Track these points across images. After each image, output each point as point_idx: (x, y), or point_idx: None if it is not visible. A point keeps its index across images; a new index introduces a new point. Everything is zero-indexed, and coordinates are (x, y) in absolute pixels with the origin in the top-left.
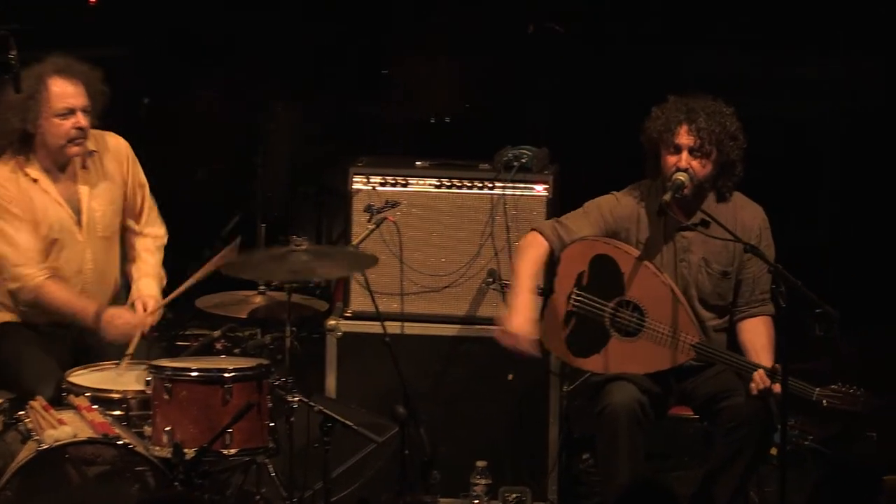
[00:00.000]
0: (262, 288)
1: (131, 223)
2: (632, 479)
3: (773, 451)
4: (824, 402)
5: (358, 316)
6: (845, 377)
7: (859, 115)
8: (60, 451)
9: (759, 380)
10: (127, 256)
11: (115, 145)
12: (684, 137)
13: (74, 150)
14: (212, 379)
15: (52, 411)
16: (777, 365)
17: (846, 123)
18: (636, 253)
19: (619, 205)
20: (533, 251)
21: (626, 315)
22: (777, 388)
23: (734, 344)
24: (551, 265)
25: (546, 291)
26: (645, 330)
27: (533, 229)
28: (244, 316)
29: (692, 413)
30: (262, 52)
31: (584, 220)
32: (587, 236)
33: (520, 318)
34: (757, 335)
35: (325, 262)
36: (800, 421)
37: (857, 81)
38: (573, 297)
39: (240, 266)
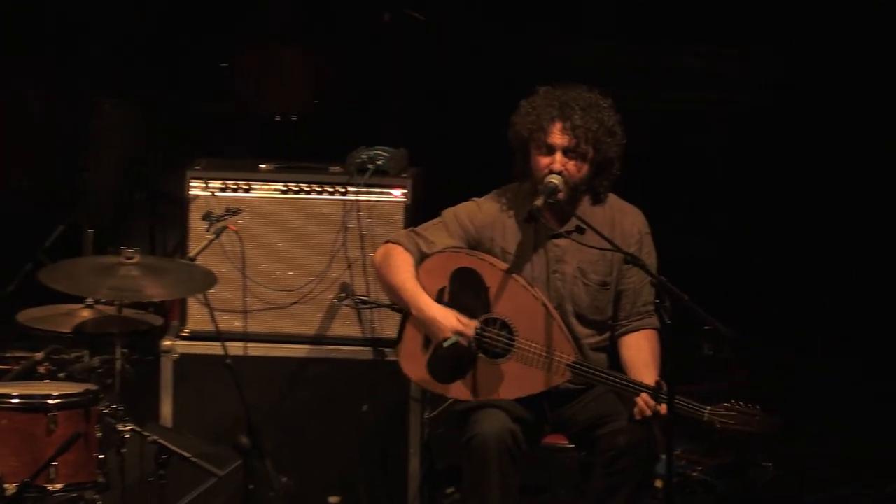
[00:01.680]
0: (89, 300)
1: None
2: None
3: (658, 483)
4: (717, 423)
5: (196, 336)
6: (738, 399)
7: (750, 111)
8: None
9: (644, 404)
10: None
11: None
12: (558, 137)
13: None
14: (34, 406)
15: None
16: (662, 381)
17: (736, 119)
18: (503, 265)
19: (481, 211)
20: (403, 261)
21: (493, 334)
22: (663, 408)
23: (616, 362)
24: None
25: (404, 310)
26: (514, 350)
27: (387, 242)
28: (69, 330)
29: (568, 442)
30: (88, 44)
31: (444, 232)
32: (448, 248)
33: (450, 315)
34: (639, 351)
35: (157, 280)
36: (687, 449)
37: (748, 74)
38: None
39: (59, 277)
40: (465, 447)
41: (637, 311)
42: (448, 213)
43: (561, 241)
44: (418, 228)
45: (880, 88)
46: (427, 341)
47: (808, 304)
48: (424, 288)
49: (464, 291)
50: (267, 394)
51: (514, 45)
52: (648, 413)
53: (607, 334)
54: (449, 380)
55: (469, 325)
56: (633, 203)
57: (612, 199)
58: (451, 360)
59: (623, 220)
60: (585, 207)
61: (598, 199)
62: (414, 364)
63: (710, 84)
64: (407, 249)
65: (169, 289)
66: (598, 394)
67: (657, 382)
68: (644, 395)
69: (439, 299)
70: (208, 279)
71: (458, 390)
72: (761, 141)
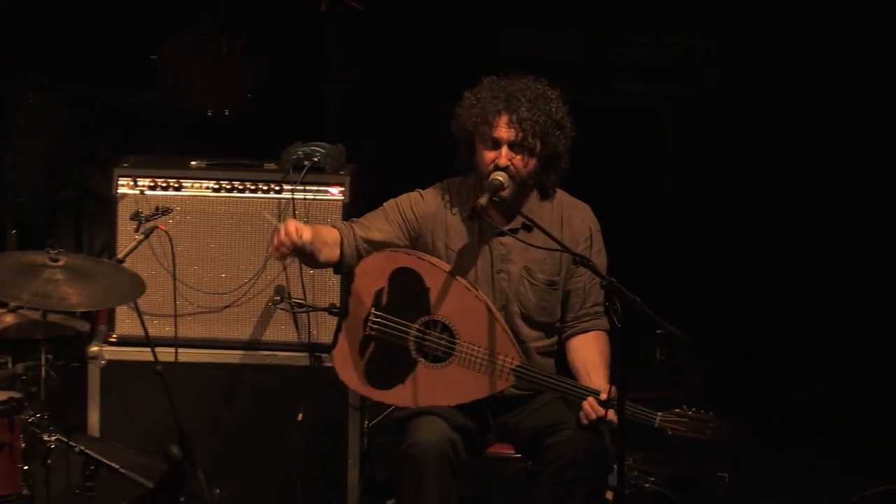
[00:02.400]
0: (12, 304)
1: None
2: None
3: (609, 495)
4: (669, 430)
5: (125, 341)
6: (692, 405)
7: (700, 104)
8: None
9: (590, 409)
10: None
11: None
12: (504, 130)
13: None
14: None
15: None
16: (612, 386)
17: (686, 112)
18: (444, 265)
19: (424, 202)
20: (325, 227)
21: (433, 338)
22: (613, 415)
23: (565, 367)
24: (345, 282)
25: (340, 312)
26: (456, 354)
27: None
28: None
29: (514, 451)
30: (9, 35)
31: (382, 218)
32: (386, 247)
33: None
34: (588, 353)
35: (82, 287)
36: (640, 459)
37: (697, 65)
38: (371, 318)
39: None
40: (403, 456)
41: (586, 313)
42: (390, 202)
43: (506, 240)
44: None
45: (840, 77)
46: (364, 345)
47: (769, 306)
48: (361, 290)
49: (403, 293)
50: (199, 402)
51: (456, 36)
52: (594, 417)
53: (556, 338)
54: (387, 385)
55: (293, 233)
56: (584, 201)
57: (561, 194)
58: (387, 362)
59: (572, 216)
60: (533, 203)
61: (545, 195)
62: (351, 369)
63: (659, 75)
64: (337, 228)
65: (95, 297)
66: (545, 401)
67: (609, 390)
68: (590, 399)
69: (378, 300)
70: (136, 287)
71: (398, 396)
72: (714, 135)
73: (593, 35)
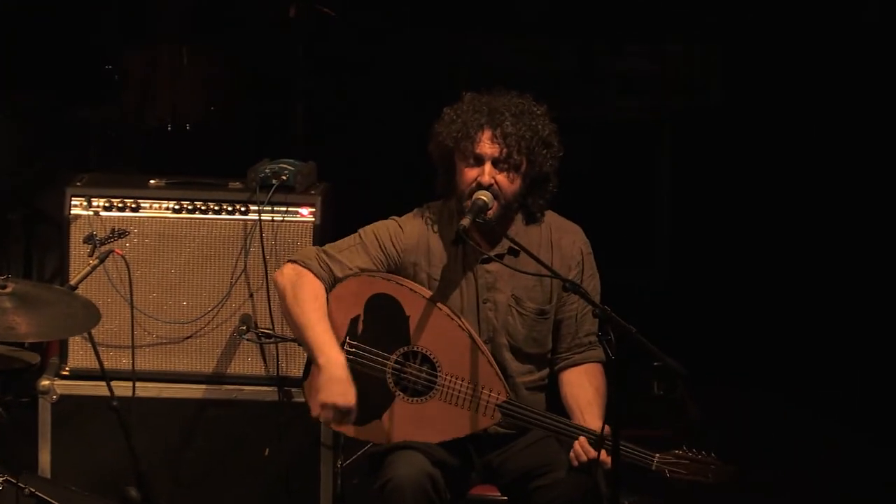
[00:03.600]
0: None
1: None
2: None
3: None
4: (667, 472)
5: (78, 374)
6: (693, 443)
7: (694, 116)
8: None
9: (581, 450)
10: None
11: None
12: (487, 146)
13: None
14: None
15: None
16: (606, 426)
17: (679, 126)
18: (425, 292)
19: (404, 233)
20: (314, 294)
21: (413, 370)
22: (606, 456)
23: (557, 402)
24: None
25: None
26: (437, 388)
27: (292, 261)
28: None
29: (499, 493)
30: None
31: (361, 254)
32: (363, 271)
33: (344, 384)
34: (581, 388)
35: (32, 316)
36: (636, 501)
37: (691, 75)
38: (346, 349)
39: None
40: (380, 493)
41: (579, 343)
42: (366, 232)
43: (492, 266)
44: (331, 248)
45: (842, 91)
46: None
47: (772, 332)
48: (335, 318)
49: (380, 321)
50: (158, 440)
51: (435, 46)
52: (584, 458)
53: (546, 371)
54: (362, 421)
55: (351, 410)
56: (576, 219)
57: (550, 216)
58: (363, 396)
59: (561, 239)
60: (519, 228)
61: (532, 219)
62: None
63: (655, 87)
64: (318, 277)
65: (45, 327)
66: (533, 439)
67: (602, 428)
68: (582, 438)
69: (353, 329)
70: (91, 316)
71: (374, 433)
72: (714, 150)
73: (589, 46)
